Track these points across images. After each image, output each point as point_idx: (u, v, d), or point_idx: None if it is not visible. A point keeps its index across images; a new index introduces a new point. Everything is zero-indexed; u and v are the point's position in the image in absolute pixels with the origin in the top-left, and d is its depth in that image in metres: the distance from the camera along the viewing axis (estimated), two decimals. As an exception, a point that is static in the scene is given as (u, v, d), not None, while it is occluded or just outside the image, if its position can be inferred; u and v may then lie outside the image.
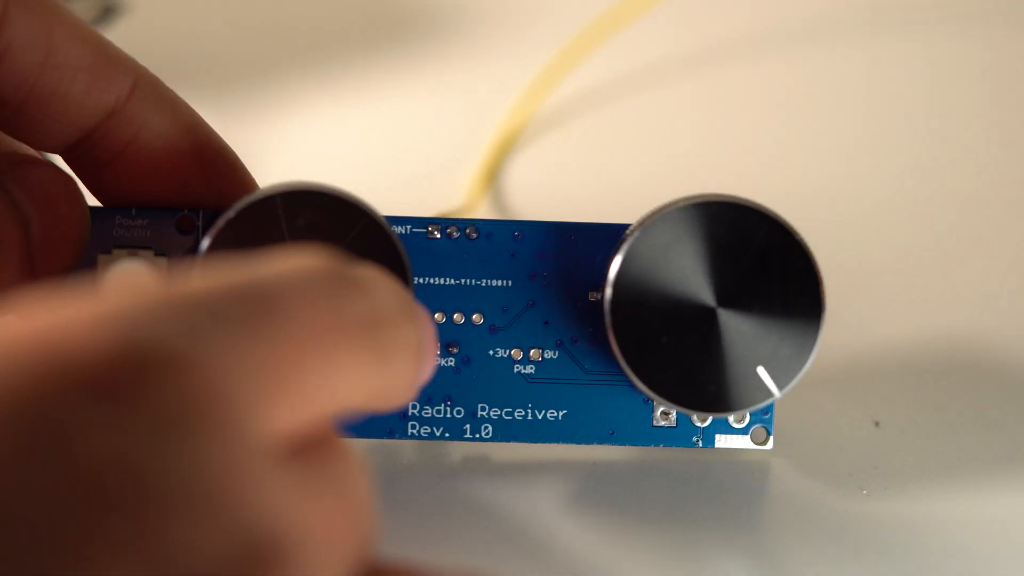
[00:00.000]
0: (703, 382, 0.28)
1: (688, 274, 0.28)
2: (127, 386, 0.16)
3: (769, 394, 0.28)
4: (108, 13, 0.42)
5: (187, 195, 0.28)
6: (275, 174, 0.37)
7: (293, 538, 0.17)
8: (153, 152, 0.27)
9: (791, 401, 0.30)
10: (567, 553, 0.27)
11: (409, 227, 0.29)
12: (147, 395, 0.16)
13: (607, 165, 0.40)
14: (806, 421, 0.30)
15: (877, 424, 0.31)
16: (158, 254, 0.28)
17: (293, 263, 0.19)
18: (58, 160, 0.29)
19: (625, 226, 0.29)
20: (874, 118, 0.41)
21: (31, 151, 0.28)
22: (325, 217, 0.27)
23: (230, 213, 0.27)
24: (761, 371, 0.28)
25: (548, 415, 0.30)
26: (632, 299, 0.28)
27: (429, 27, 0.44)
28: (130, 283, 0.18)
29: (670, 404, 0.28)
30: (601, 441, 0.30)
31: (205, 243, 0.27)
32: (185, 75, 0.41)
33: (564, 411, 0.30)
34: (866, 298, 0.35)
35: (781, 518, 0.29)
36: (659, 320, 0.28)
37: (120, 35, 0.37)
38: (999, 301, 0.35)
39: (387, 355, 0.20)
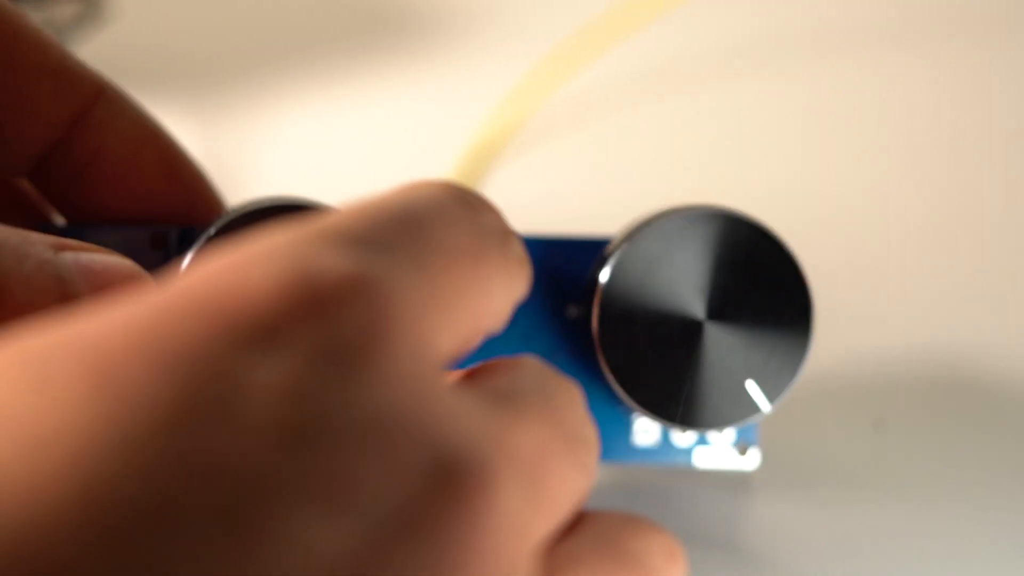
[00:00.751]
0: (691, 397, 0.27)
1: (675, 287, 0.27)
2: (295, 319, 0.15)
3: (758, 409, 0.27)
4: (91, 11, 0.42)
5: (155, 207, 0.28)
6: (258, 176, 0.37)
7: (496, 462, 0.16)
8: (121, 160, 0.27)
9: (782, 410, 0.30)
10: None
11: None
12: (321, 325, 0.15)
13: (594, 175, 0.40)
14: (806, 423, 0.30)
15: (877, 425, 0.31)
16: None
17: (426, 190, 0.19)
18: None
19: (603, 241, 0.28)
20: (870, 129, 0.40)
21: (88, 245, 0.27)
22: None
23: (211, 230, 0.27)
24: (750, 385, 0.27)
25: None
26: (619, 313, 0.27)
27: (416, 29, 0.44)
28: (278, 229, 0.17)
29: (659, 420, 0.28)
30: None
31: (188, 259, 0.27)
32: (166, 77, 0.40)
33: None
34: (863, 306, 0.35)
35: (781, 519, 0.29)
36: (647, 335, 0.27)
37: (101, 36, 0.37)
38: (994, 310, 0.35)
39: (519, 265, 0.20)
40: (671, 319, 0.27)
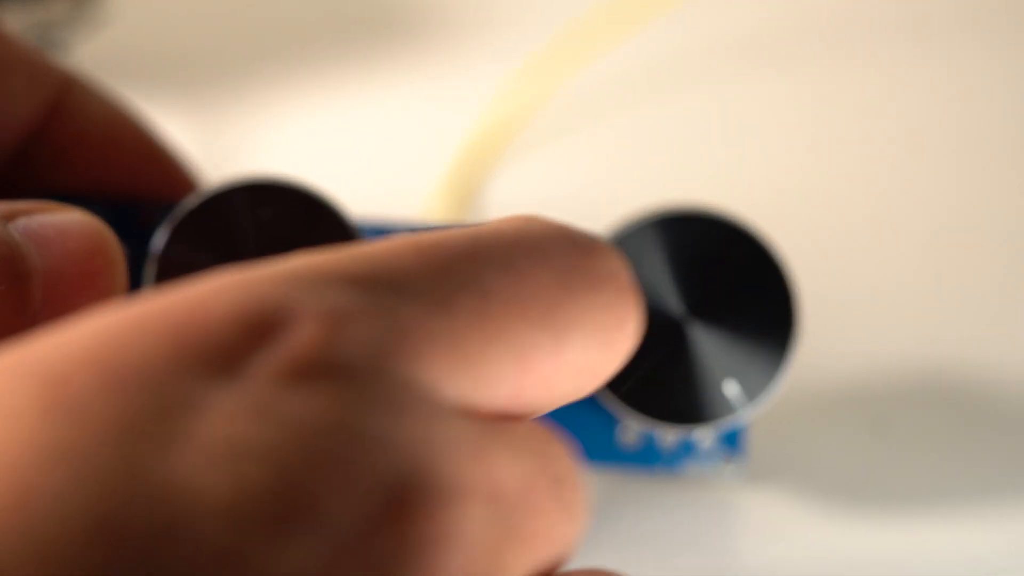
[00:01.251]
0: (672, 395, 0.27)
1: (659, 287, 0.27)
2: (251, 346, 0.15)
3: (736, 408, 0.27)
4: (83, 11, 0.42)
5: (136, 189, 0.28)
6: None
7: (466, 486, 0.15)
8: (98, 145, 0.27)
9: (776, 415, 0.30)
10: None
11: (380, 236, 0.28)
12: (276, 351, 0.15)
13: (595, 173, 0.40)
14: (806, 424, 0.30)
15: (877, 426, 0.31)
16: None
17: (520, 223, 0.18)
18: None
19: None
20: (872, 130, 0.40)
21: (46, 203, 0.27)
22: (288, 212, 0.26)
23: (188, 206, 0.26)
24: (729, 385, 0.27)
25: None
26: None
27: (415, 25, 0.44)
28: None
29: (639, 416, 0.27)
30: (605, 459, 0.29)
31: (163, 236, 0.26)
32: (163, 77, 0.41)
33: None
34: (861, 309, 0.34)
35: (781, 520, 0.29)
36: None
37: (100, 36, 0.37)
38: (994, 313, 0.35)
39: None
40: (654, 318, 0.27)
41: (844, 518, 0.28)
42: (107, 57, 0.41)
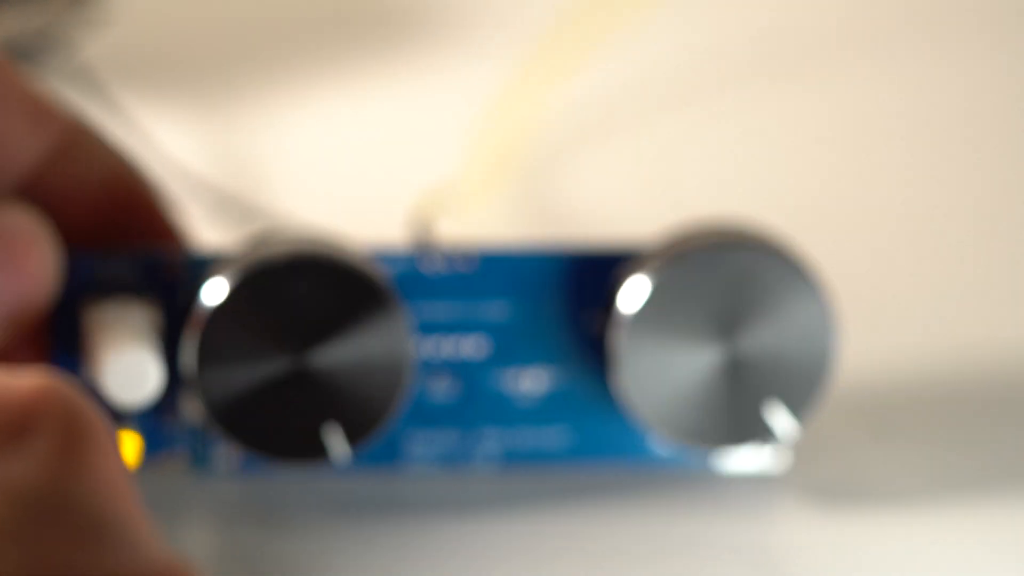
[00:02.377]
0: (710, 419, 0.28)
1: (699, 314, 0.28)
2: None
3: (777, 432, 0.28)
4: (80, 12, 0.41)
5: (129, 236, 0.28)
6: (258, 178, 0.37)
7: None
8: (99, 191, 0.28)
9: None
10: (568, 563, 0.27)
11: (401, 262, 0.29)
12: None
13: (612, 177, 0.40)
14: (806, 424, 0.30)
15: (877, 426, 0.31)
16: (140, 295, 0.28)
17: None
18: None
19: (623, 257, 0.29)
20: (880, 135, 0.40)
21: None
22: (326, 289, 0.27)
23: (234, 277, 0.27)
24: (770, 408, 0.28)
25: (549, 439, 0.30)
26: (638, 341, 0.28)
27: (415, 26, 0.44)
28: None
29: (676, 441, 0.28)
30: (604, 461, 0.30)
31: (213, 300, 0.27)
32: (166, 78, 0.40)
33: (565, 434, 0.30)
34: (869, 306, 0.35)
35: (781, 521, 0.29)
36: (666, 359, 0.28)
37: (101, 37, 0.37)
38: (999, 314, 0.35)
39: None
40: (693, 344, 0.28)
41: (844, 517, 0.29)
42: (108, 57, 0.40)
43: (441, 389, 0.29)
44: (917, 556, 0.28)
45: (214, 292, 0.27)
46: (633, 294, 0.28)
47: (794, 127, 0.40)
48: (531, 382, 0.29)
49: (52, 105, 0.27)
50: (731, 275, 0.28)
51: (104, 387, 0.26)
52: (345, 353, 0.27)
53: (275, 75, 0.41)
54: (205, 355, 0.27)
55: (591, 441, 0.29)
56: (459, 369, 0.29)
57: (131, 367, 0.26)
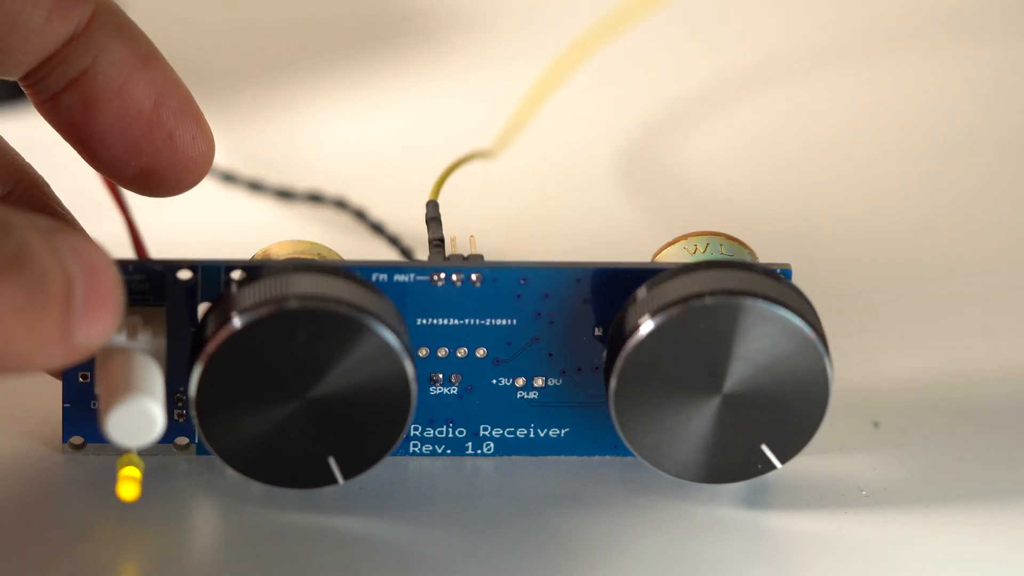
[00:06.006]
0: (705, 457, 0.28)
1: (700, 359, 0.27)
2: None
3: (772, 467, 0.28)
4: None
5: (141, 136, 0.28)
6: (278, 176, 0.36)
7: None
8: (108, 81, 0.28)
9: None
10: (566, 553, 0.28)
11: (413, 275, 0.28)
12: None
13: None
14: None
15: (876, 425, 0.32)
16: (156, 304, 0.28)
17: None
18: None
19: (633, 271, 0.28)
20: (870, 137, 0.39)
21: (68, 221, 0.28)
22: (326, 339, 0.27)
23: (238, 324, 0.27)
24: (765, 448, 0.28)
25: (550, 433, 0.30)
26: (640, 383, 0.28)
27: (437, 27, 0.42)
28: None
29: (672, 476, 0.28)
30: (603, 454, 0.30)
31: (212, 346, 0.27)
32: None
33: (566, 429, 0.30)
34: (867, 304, 0.34)
35: (780, 520, 0.29)
36: (664, 399, 0.28)
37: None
38: (1000, 309, 0.35)
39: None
40: (691, 387, 0.28)
41: (843, 517, 0.29)
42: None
43: (443, 388, 0.29)
44: (917, 555, 0.28)
45: (213, 332, 0.27)
46: (633, 334, 0.28)
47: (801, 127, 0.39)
48: (536, 382, 0.30)
49: None
50: (728, 324, 0.27)
51: (109, 435, 0.26)
52: (343, 385, 0.27)
53: (288, 78, 0.39)
54: (206, 396, 0.27)
55: (589, 433, 0.30)
56: (463, 370, 0.29)
57: (136, 417, 0.26)
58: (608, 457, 0.30)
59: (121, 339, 0.27)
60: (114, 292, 0.25)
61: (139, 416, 0.26)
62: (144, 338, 0.27)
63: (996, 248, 0.37)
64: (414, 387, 0.27)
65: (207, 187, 0.32)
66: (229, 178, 0.37)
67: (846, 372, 0.30)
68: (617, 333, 0.28)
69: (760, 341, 0.27)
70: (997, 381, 0.33)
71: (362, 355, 0.27)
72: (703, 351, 0.27)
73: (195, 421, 0.27)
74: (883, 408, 0.32)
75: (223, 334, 0.27)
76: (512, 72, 0.40)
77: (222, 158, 0.35)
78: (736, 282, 0.27)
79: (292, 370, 0.27)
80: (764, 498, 0.30)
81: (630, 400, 0.28)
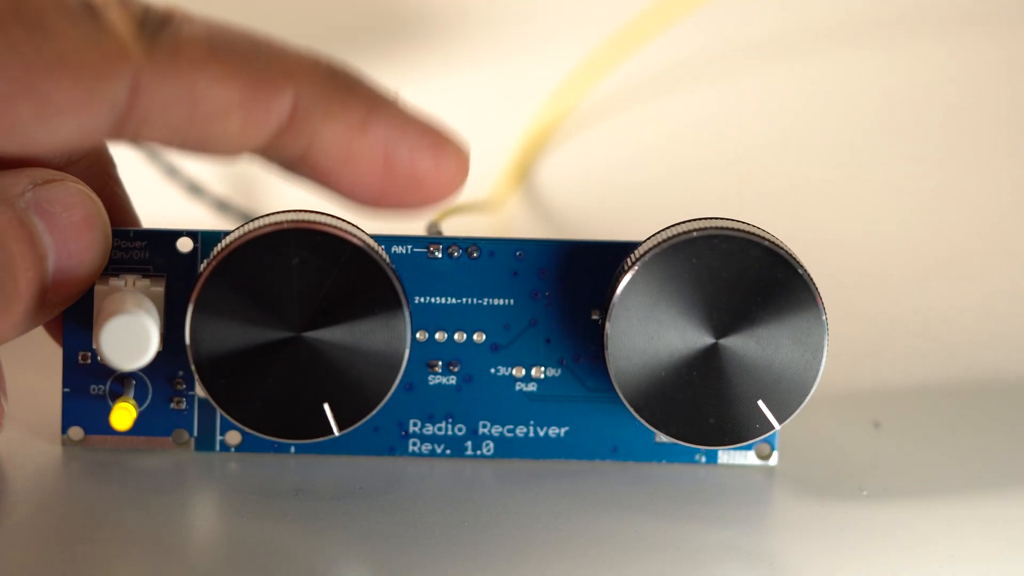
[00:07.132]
0: (703, 416, 0.28)
1: (689, 306, 0.28)
2: None
3: (770, 427, 0.28)
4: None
5: (384, 189, 0.27)
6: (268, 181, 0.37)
7: None
8: (330, 159, 0.26)
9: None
10: (566, 553, 0.27)
11: (410, 247, 0.29)
12: None
13: (641, 165, 0.40)
14: (806, 423, 0.30)
15: (877, 425, 0.31)
16: (156, 273, 0.28)
17: None
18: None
19: (628, 244, 0.29)
20: (875, 126, 0.40)
21: (53, 171, 0.27)
22: (315, 250, 0.27)
23: (230, 245, 0.27)
24: (761, 404, 0.28)
25: (550, 432, 0.30)
26: (632, 331, 0.28)
27: (461, 21, 0.44)
28: None
29: (669, 437, 0.28)
30: (603, 457, 0.30)
31: (204, 271, 0.27)
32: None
33: (566, 428, 0.30)
34: (868, 300, 0.35)
35: (781, 519, 0.29)
36: (658, 353, 0.28)
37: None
38: (1001, 305, 0.35)
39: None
40: (684, 338, 0.28)
41: (844, 517, 0.29)
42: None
43: (442, 378, 0.29)
44: (918, 555, 0.28)
45: (212, 260, 0.27)
46: (624, 282, 0.28)
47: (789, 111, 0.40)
48: (534, 372, 0.30)
49: (269, 82, 0.26)
50: (719, 265, 0.28)
51: (103, 352, 0.26)
52: (343, 334, 0.27)
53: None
54: (198, 321, 0.27)
55: (589, 434, 0.30)
56: (461, 357, 0.29)
57: (130, 333, 0.26)
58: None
59: (120, 283, 0.27)
60: (91, 255, 0.27)
61: (133, 331, 0.26)
62: (143, 285, 0.28)
63: (996, 248, 0.37)
64: (410, 342, 0.27)
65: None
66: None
67: (847, 372, 0.30)
68: (611, 287, 0.28)
69: (750, 288, 0.27)
70: (997, 381, 0.33)
71: (366, 299, 0.27)
72: (691, 293, 0.28)
73: (189, 337, 0.27)
74: (883, 408, 0.32)
75: (232, 246, 0.27)
76: (512, 73, 0.41)
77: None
78: (723, 223, 0.28)
79: (289, 301, 0.27)
80: (764, 498, 0.30)
81: (623, 354, 0.28)
